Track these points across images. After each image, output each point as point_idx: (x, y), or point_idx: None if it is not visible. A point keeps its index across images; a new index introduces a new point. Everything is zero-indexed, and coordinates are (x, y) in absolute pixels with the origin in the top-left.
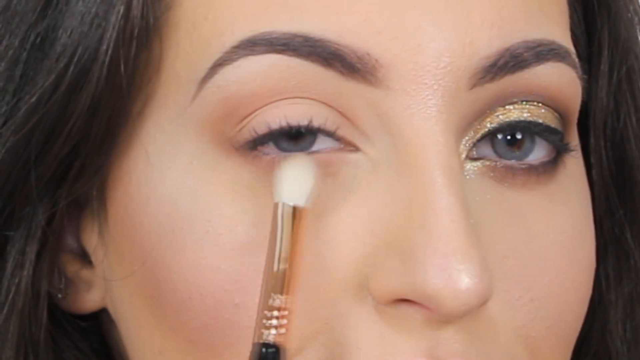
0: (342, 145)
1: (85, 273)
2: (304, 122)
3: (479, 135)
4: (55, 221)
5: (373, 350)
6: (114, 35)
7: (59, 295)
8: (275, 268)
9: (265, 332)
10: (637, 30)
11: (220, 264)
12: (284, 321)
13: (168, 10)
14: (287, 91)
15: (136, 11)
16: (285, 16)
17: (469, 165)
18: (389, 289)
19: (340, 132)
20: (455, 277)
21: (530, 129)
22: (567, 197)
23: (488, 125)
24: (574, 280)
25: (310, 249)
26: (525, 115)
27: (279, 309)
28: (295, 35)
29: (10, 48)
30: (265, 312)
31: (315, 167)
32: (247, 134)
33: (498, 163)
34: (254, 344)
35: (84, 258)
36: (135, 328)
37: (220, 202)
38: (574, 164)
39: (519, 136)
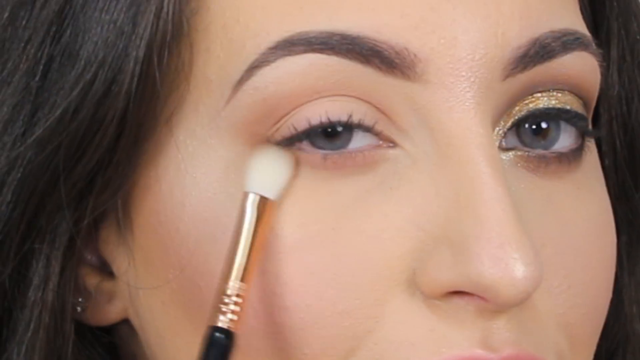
0: (380, 142)
1: (106, 285)
2: (343, 118)
3: (508, 124)
4: (81, 234)
5: (427, 345)
6: (145, 42)
7: (78, 309)
8: (239, 257)
9: (222, 317)
10: None
11: (268, 267)
12: (238, 308)
13: (194, 15)
14: (325, 90)
15: (167, 17)
16: (321, 15)
17: (503, 156)
18: (440, 282)
19: (378, 127)
20: (511, 265)
21: (560, 116)
22: (591, 184)
23: (517, 113)
24: (604, 267)
25: (356, 247)
26: (553, 102)
27: (237, 296)
28: (332, 34)
29: (25, 61)
30: (224, 298)
31: (289, 160)
32: (285, 131)
33: (530, 153)
34: (208, 327)
35: (103, 270)
36: (169, 336)
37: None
38: (592, 151)
39: (544, 125)
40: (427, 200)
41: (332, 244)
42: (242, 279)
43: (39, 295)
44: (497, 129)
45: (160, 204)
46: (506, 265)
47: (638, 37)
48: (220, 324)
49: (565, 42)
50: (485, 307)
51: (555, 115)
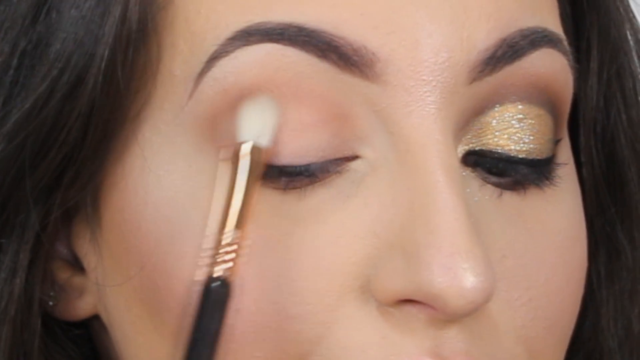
0: (339, 159)
1: (76, 280)
2: (305, 161)
3: (474, 145)
4: (49, 228)
5: (377, 352)
6: (110, 40)
7: (50, 303)
8: (234, 207)
9: (217, 267)
10: (627, 28)
11: None
12: (234, 255)
13: (161, 11)
14: (284, 84)
15: (132, 15)
16: (280, 7)
17: (468, 169)
18: (392, 289)
19: (338, 143)
20: (460, 275)
21: (523, 163)
22: (563, 197)
23: (482, 136)
24: (569, 280)
25: (310, 252)
26: (520, 146)
27: (232, 244)
28: (290, 25)
29: (1, 54)
30: (225, 247)
31: (276, 108)
32: None
33: (488, 179)
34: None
35: (75, 265)
36: (131, 334)
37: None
38: (566, 163)
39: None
40: (383, 208)
41: (285, 249)
42: (240, 226)
43: (5, 288)
44: (463, 142)
45: (125, 201)
46: (455, 274)
47: (617, 46)
48: (216, 274)
49: (533, 40)
50: (436, 316)
51: (517, 162)
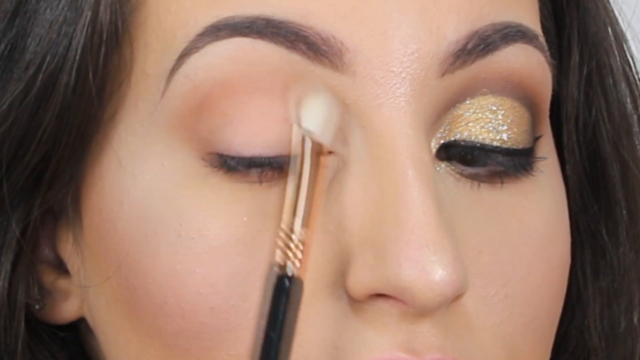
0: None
1: (62, 283)
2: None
3: (449, 138)
4: (30, 231)
5: (350, 348)
6: (82, 42)
7: (37, 306)
8: (301, 201)
9: (289, 264)
10: (607, 24)
11: (195, 268)
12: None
13: (134, 11)
14: (259, 79)
15: (104, 17)
16: (248, 1)
17: (443, 164)
18: (363, 284)
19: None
20: (428, 268)
21: (497, 151)
22: (542, 194)
23: (456, 130)
24: (547, 277)
25: None
26: (488, 136)
27: (302, 243)
28: (257, 18)
29: None
30: (292, 245)
31: (338, 104)
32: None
33: (464, 171)
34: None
35: (60, 268)
36: (112, 335)
37: (191, 206)
38: (548, 158)
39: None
40: (355, 203)
41: (258, 246)
42: (307, 225)
43: None
44: (437, 137)
45: (102, 201)
46: (422, 267)
47: (596, 42)
48: (287, 272)
49: (506, 34)
50: (407, 310)
51: (492, 150)
